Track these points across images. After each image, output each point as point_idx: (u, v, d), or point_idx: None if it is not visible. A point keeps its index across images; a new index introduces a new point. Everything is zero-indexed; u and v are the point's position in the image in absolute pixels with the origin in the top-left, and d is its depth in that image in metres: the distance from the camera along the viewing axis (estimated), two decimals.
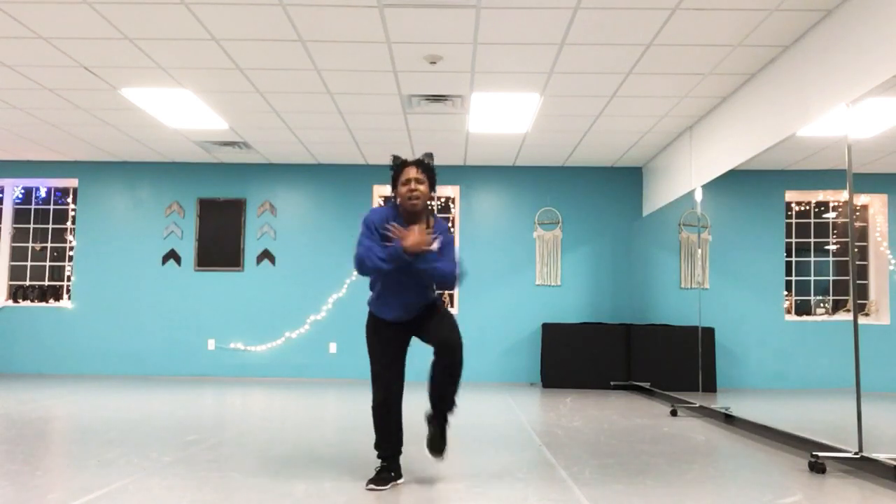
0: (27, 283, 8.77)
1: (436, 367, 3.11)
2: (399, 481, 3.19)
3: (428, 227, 3.13)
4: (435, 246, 3.03)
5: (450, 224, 3.13)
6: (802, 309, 5.02)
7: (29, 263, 8.82)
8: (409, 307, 3.17)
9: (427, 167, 3.14)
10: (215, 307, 8.51)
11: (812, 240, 5.05)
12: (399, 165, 3.13)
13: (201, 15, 4.45)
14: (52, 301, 8.70)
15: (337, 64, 5.25)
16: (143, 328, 8.51)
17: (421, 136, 7.29)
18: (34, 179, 8.81)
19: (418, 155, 3.21)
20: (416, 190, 3.07)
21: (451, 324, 3.14)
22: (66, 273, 8.78)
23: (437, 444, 3.19)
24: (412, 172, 3.09)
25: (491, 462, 3.72)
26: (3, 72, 5.51)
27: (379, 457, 3.20)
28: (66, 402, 6.00)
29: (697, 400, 5.90)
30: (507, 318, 8.40)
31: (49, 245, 8.85)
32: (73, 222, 8.80)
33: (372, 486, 3.07)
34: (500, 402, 6.50)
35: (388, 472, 3.16)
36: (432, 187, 3.16)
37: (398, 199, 3.13)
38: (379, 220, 3.09)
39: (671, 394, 6.54)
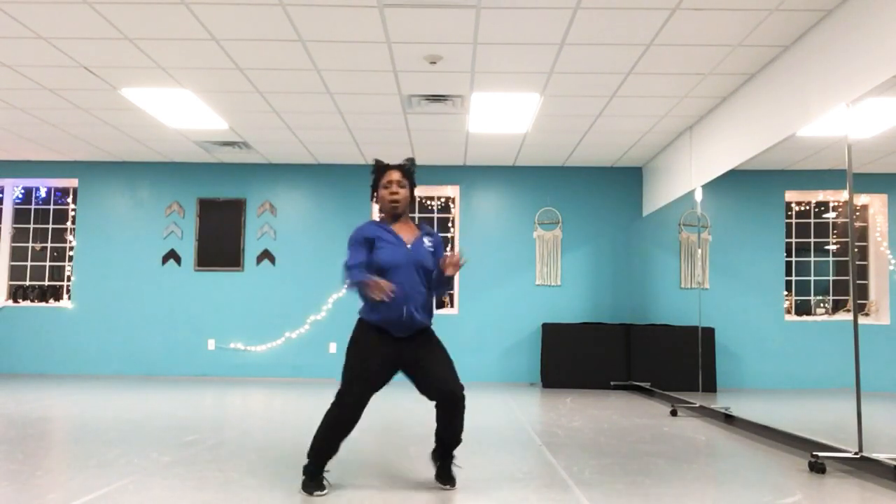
0: (27, 283, 8.77)
1: (442, 417, 3.04)
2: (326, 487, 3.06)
3: (416, 229, 3.17)
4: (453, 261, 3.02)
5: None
6: (802, 309, 5.02)
7: (29, 263, 8.82)
8: (399, 316, 2.97)
9: (408, 173, 3.16)
10: (215, 307, 8.51)
11: (812, 240, 5.05)
12: (381, 169, 3.15)
13: (201, 15, 4.45)
14: (52, 301, 8.70)
15: (337, 64, 5.25)
16: (143, 328, 8.51)
17: (421, 136, 7.29)
18: (34, 179, 8.81)
19: (402, 158, 3.22)
20: (397, 193, 3.09)
21: (452, 369, 3.04)
22: (66, 273, 8.78)
23: (445, 479, 3.15)
24: (395, 175, 3.11)
25: (491, 462, 3.72)
26: (3, 72, 5.51)
27: (311, 468, 3.01)
28: (66, 402, 6.00)
29: (697, 400, 5.90)
30: (507, 318, 8.40)
31: (49, 245, 8.85)
32: (73, 222, 8.80)
33: (316, 492, 2.96)
34: (500, 402, 6.50)
35: (318, 476, 3.02)
36: (412, 193, 3.18)
37: (378, 202, 3.16)
38: (365, 233, 3.07)
39: (671, 394, 6.54)
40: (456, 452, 3.19)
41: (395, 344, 3.02)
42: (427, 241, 3.11)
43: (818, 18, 4.34)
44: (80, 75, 5.56)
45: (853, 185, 3.78)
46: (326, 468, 3.07)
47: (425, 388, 3.04)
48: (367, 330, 3.04)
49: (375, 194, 3.16)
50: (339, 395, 3.01)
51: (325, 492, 3.00)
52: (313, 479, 3.01)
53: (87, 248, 8.62)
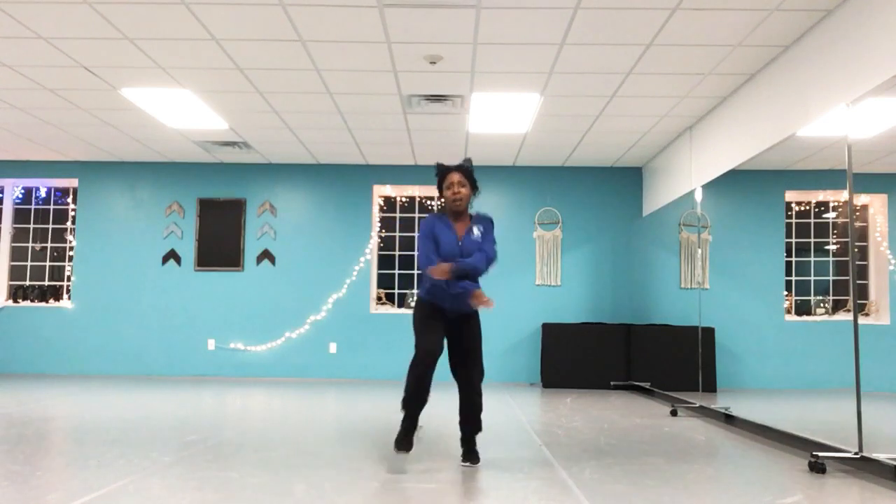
0: (27, 283, 8.77)
1: (460, 399, 3.55)
2: (420, 431, 3.49)
3: (469, 221, 3.63)
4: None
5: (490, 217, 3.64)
6: (802, 309, 5.02)
7: (29, 263, 8.82)
8: (456, 297, 3.46)
9: (467, 171, 3.51)
10: (215, 307, 8.51)
11: (812, 240, 5.06)
12: (443, 172, 3.51)
13: (201, 15, 4.45)
14: (52, 301, 8.70)
15: (337, 64, 5.25)
16: (143, 328, 8.51)
17: (421, 136, 7.29)
18: (34, 179, 8.81)
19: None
20: (458, 193, 3.47)
21: (478, 361, 3.55)
22: (66, 273, 8.78)
23: (470, 458, 3.58)
24: (455, 177, 3.48)
25: (491, 462, 3.72)
26: (3, 72, 5.51)
27: (404, 409, 3.42)
28: (66, 402, 6.00)
29: (697, 400, 5.90)
30: (507, 318, 8.40)
31: (49, 245, 8.85)
32: (73, 222, 8.80)
33: (403, 451, 3.38)
34: (500, 402, 6.50)
35: (410, 433, 3.42)
36: (474, 188, 3.55)
37: (443, 202, 3.53)
38: (431, 226, 3.53)
39: (671, 394, 6.54)
40: (456, 452, 3.21)
41: (445, 317, 3.52)
42: (476, 231, 3.53)
43: (818, 18, 4.34)
44: (80, 75, 5.56)
45: (853, 185, 3.78)
46: (419, 429, 3.48)
47: (452, 365, 3.55)
48: (423, 304, 3.55)
49: (441, 195, 3.57)
50: (416, 345, 3.43)
51: (410, 452, 3.41)
52: (406, 433, 3.41)
53: (87, 248, 8.62)
